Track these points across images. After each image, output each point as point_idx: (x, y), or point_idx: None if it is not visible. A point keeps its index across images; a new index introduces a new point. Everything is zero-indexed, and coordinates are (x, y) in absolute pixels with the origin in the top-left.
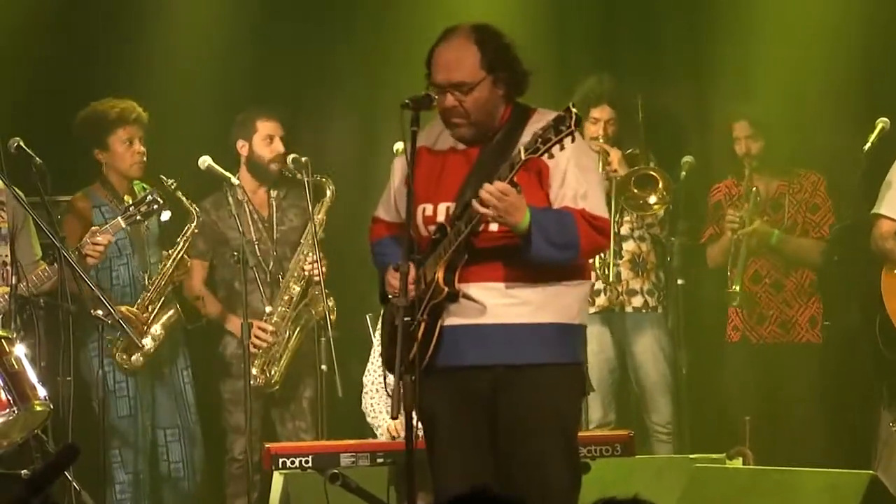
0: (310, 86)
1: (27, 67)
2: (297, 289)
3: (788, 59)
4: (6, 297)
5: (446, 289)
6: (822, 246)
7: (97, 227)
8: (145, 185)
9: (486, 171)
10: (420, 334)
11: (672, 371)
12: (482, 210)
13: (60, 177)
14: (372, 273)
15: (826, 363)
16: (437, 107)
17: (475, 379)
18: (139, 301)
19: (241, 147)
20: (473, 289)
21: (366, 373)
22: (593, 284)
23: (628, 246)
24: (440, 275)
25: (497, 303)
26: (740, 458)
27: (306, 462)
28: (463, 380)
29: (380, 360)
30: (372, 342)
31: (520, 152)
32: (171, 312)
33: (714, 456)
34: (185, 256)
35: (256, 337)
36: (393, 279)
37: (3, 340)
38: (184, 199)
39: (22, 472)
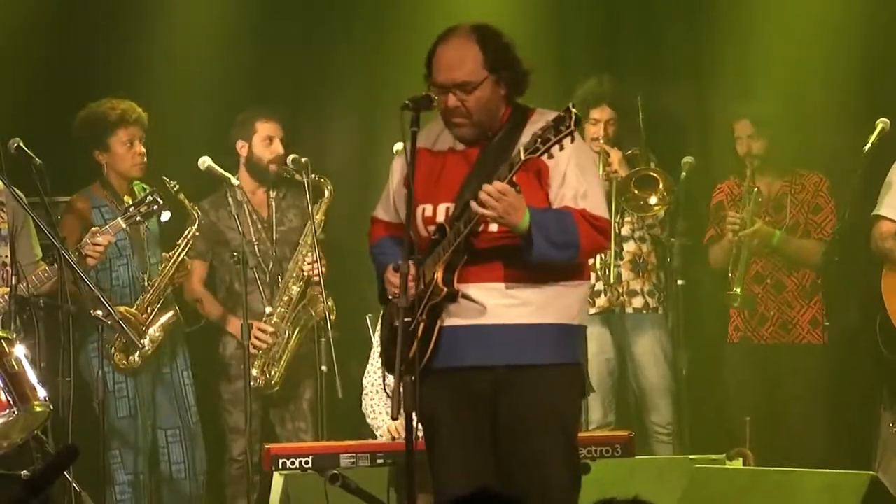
0: (310, 86)
1: (27, 67)
2: (296, 289)
3: (788, 59)
4: (6, 297)
5: (445, 289)
6: (823, 247)
7: (97, 228)
8: (145, 186)
9: (485, 172)
10: (418, 334)
11: (672, 372)
12: (481, 210)
13: (60, 177)
14: (372, 273)
15: (826, 364)
16: (439, 107)
17: (476, 379)
18: (138, 302)
19: (241, 148)
20: (473, 289)
21: (365, 374)
22: (594, 285)
23: (629, 247)
24: (439, 275)
25: (497, 303)
26: (740, 459)
27: (306, 463)
28: (463, 380)
29: (379, 361)
30: (372, 343)
31: (519, 152)
32: (170, 314)
33: (714, 457)
34: (186, 258)
35: (256, 338)
36: (393, 278)
37: (2, 341)
38: (186, 201)
39: (22, 472)
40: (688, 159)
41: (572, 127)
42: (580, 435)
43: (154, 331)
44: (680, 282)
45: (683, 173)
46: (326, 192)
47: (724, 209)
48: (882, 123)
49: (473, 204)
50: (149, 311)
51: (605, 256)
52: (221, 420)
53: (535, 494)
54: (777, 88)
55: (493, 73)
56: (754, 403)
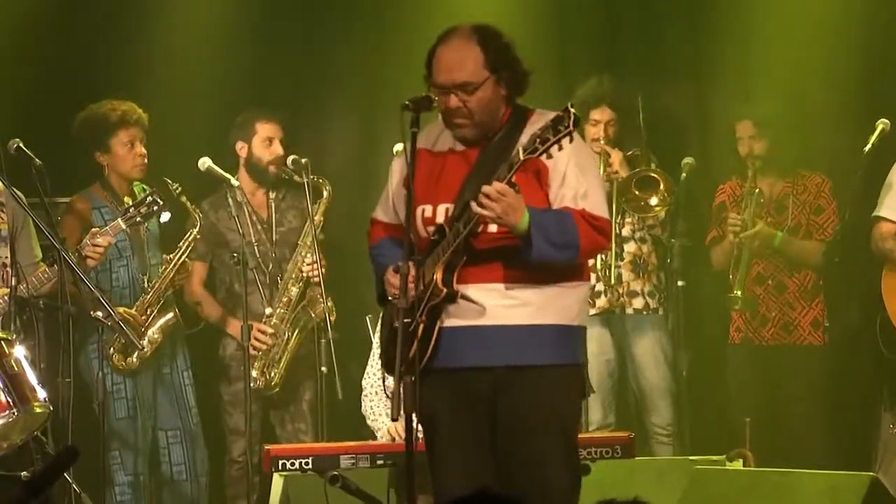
0: (310, 86)
1: (27, 67)
2: (295, 290)
3: (789, 60)
4: (6, 298)
5: (445, 289)
6: (823, 247)
7: (97, 229)
8: (145, 187)
9: (485, 172)
10: (418, 335)
11: (672, 373)
12: (480, 211)
13: (60, 178)
14: (372, 274)
15: (826, 364)
16: (439, 108)
17: (475, 380)
18: (138, 303)
19: (241, 149)
20: (473, 290)
21: (365, 375)
22: (594, 286)
23: (629, 247)
24: (438, 275)
25: (497, 304)
26: (741, 460)
27: (306, 464)
28: (463, 381)
29: (379, 362)
30: (372, 344)
31: (518, 153)
32: (169, 316)
33: (714, 457)
34: (187, 260)
35: (256, 339)
36: (393, 279)
37: (2, 342)
38: (188, 203)
39: (22, 473)
40: (688, 160)
41: (571, 127)
42: (580, 436)
43: (153, 332)
44: (680, 283)
45: (683, 174)
46: (325, 193)
47: (726, 210)
48: (882, 124)
49: (473, 204)
50: (148, 312)
51: (606, 257)
52: (221, 421)
53: (535, 495)
54: (777, 89)
55: (494, 74)
56: (755, 404)
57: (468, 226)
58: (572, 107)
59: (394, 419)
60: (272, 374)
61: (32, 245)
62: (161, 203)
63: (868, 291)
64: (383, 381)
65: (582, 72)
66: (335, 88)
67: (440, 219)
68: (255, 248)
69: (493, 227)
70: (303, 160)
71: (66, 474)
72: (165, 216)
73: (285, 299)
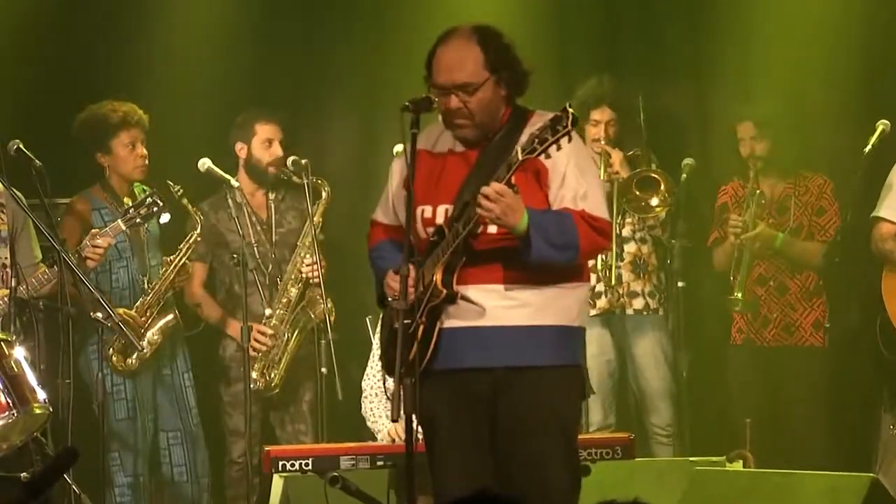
0: (310, 86)
1: (27, 68)
2: (295, 291)
3: (789, 60)
4: (6, 299)
5: (444, 290)
6: (824, 248)
7: (97, 230)
8: (145, 188)
9: (484, 173)
10: (418, 336)
11: (672, 374)
12: (479, 212)
13: (60, 179)
14: (372, 275)
15: (827, 365)
16: (439, 108)
17: (475, 381)
18: (138, 304)
19: (240, 150)
20: (472, 291)
21: (364, 377)
22: (594, 286)
23: (629, 248)
24: (438, 276)
25: (496, 305)
26: (741, 461)
27: (306, 465)
28: (462, 382)
29: (378, 364)
30: (372, 345)
31: (517, 153)
32: (169, 317)
33: (714, 459)
34: (187, 262)
35: (256, 340)
36: (393, 282)
37: (2, 343)
38: (189, 206)
39: (21, 474)
40: (688, 161)
41: (569, 127)
42: (580, 437)
43: (153, 334)
44: (680, 284)
45: (684, 175)
46: (324, 194)
47: (728, 211)
48: (882, 125)
49: (472, 205)
50: (148, 313)
51: (606, 258)
52: (221, 422)
53: (535, 496)
54: (777, 89)
55: (494, 74)
56: (756, 405)
57: (467, 227)
58: (570, 107)
59: (394, 420)
60: (272, 376)
61: (32, 246)
62: (161, 204)
63: (868, 292)
64: (384, 383)
65: (582, 72)
66: (335, 88)
67: (440, 220)
68: (255, 248)
69: (492, 228)
70: (303, 161)
71: (65, 475)
72: (165, 217)
73: (285, 300)
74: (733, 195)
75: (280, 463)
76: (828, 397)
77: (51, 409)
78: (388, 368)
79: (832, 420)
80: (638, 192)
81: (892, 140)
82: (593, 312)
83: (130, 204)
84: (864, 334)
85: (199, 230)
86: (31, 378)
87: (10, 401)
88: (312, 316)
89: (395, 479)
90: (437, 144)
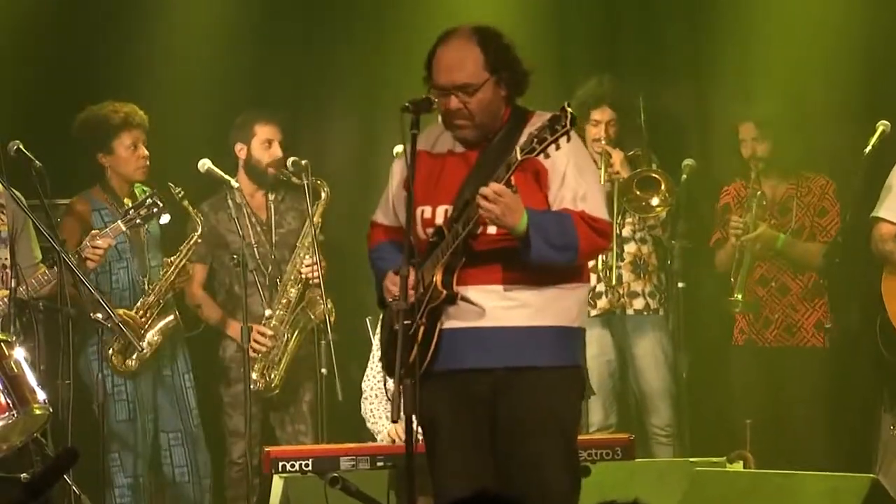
0: (310, 86)
1: (27, 68)
2: (294, 292)
3: (789, 60)
4: (6, 300)
5: (444, 291)
6: (824, 249)
7: (97, 231)
8: (145, 188)
9: (484, 174)
10: (419, 337)
11: (672, 374)
12: (479, 212)
13: (60, 179)
14: (372, 275)
15: (827, 366)
16: (439, 109)
17: (475, 382)
18: (138, 305)
19: (240, 150)
20: (472, 292)
21: (364, 378)
22: (594, 287)
23: (630, 248)
24: (438, 277)
25: (496, 305)
26: (741, 462)
27: (306, 466)
28: (462, 383)
29: (378, 365)
30: (372, 345)
31: (516, 153)
32: (169, 318)
33: (715, 459)
34: (188, 263)
35: (255, 341)
36: (392, 284)
37: (2, 344)
38: (190, 208)
39: (21, 475)
40: (688, 162)
41: (568, 126)
42: (580, 438)
43: (153, 334)
44: (680, 284)
45: (684, 176)
46: (323, 194)
47: (730, 212)
48: (882, 126)
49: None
50: (148, 314)
51: (607, 258)
52: (221, 423)
53: (535, 497)
54: (777, 89)
55: (494, 75)
56: (757, 406)
57: (467, 227)
58: (569, 106)
59: (394, 421)
60: (272, 376)
61: (32, 247)
62: (161, 205)
63: (868, 293)
64: (384, 384)
65: (582, 72)
66: (335, 88)
67: (439, 220)
68: (255, 249)
69: (492, 229)
70: (303, 162)
71: (65, 476)
72: (165, 218)
73: (285, 301)
74: (735, 196)
75: (280, 464)
76: (828, 398)
77: (51, 410)
78: (388, 369)
79: (832, 421)
80: (638, 192)
81: (892, 141)
82: (594, 313)
83: (130, 205)
84: (864, 335)
85: (199, 232)
86: (31, 379)
87: (9, 401)
88: (312, 316)
89: (395, 479)
90: (436, 145)
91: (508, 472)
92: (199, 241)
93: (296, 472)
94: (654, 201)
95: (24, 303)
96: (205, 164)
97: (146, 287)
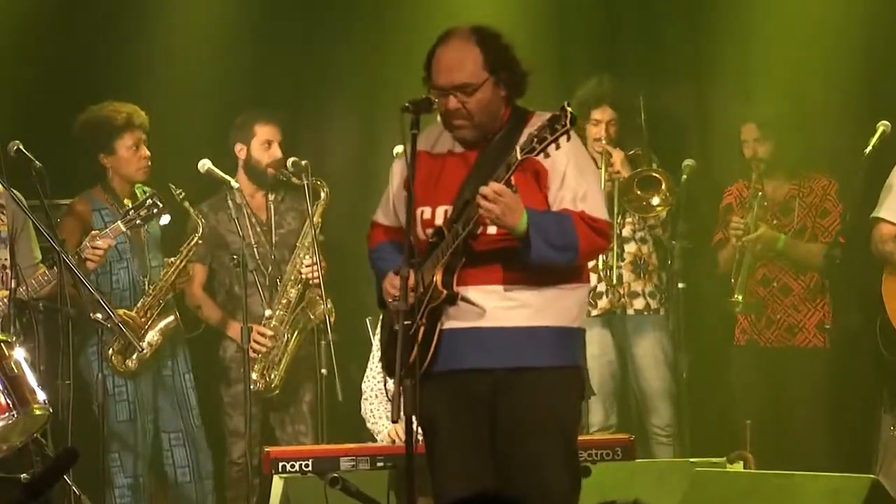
0: (310, 86)
1: (27, 68)
2: (294, 292)
3: (789, 60)
4: (5, 300)
5: (445, 291)
6: (824, 249)
7: (97, 232)
8: (146, 189)
9: (484, 174)
10: (419, 338)
11: (672, 374)
12: (479, 212)
13: (60, 180)
14: (372, 275)
15: (827, 366)
16: (439, 109)
17: (475, 382)
18: (138, 305)
19: (240, 151)
20: (472, 292)
21: (364, 378)
22: (595, 287)
23: (630, 248)
24: (438, 277)
25: (496, 306)
26: (741, 462)
27: (306, 466)
28: (462, 383)
29: (378, 365)
30: (372, 345)
31: (516, 153)
32: (169, 319)
33: (715, 460)
34: (188, 264)
35: (255, 341)
36: (391, 286)
37: (2, 344)
38: (191, 209)
39: (21, 475)
40: (688, 162)
41: (568, 125)
42: (580, 438)
43: (153, 335)
44: (681, 285)
45: (684, 176)
46: (322, 195)
47: (732, 212)
48: (883, 126)
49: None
50: (148, 314)
51: (607, 258)
52: (221, 423)
53: (535, 497)
54: (777, 89)
55: (493, 75)
56: (755, 406)
57: (467, 227)
58: (569, 106)
59: (394, 421)
60: (272, 377)
61: (32, 247)
62: (161, 206)
63: (868, 293)
64: (384, 384)
65: (582, 72)
66: (335, 88)
67: (439, 221)
68: (255, 250)
69: (492, 229)
70: (303, 162)
71: (65, 476)
72: (165, 219)
73: (284, 301)
74: (737, 196)
75: (280, 464)
76: (828, 398)
77: (51, 410)
78: (388, 370)
79: (832, 421)
80: (639, 192)
81: (892, 141)
82: (595, 313)
83: (130, 205)
84: (864, 335)
85: (200, 233)
86: (31, 379)
87: (9, 402)
88: (312, 317)
89: (395, 480)
90: (436, 145)
91: (508, 473)
92: (200, 242)
93: (296, 472)
94: (655, 201)
95: (24, 303)
96: (205, 164)
97: (147, 287)
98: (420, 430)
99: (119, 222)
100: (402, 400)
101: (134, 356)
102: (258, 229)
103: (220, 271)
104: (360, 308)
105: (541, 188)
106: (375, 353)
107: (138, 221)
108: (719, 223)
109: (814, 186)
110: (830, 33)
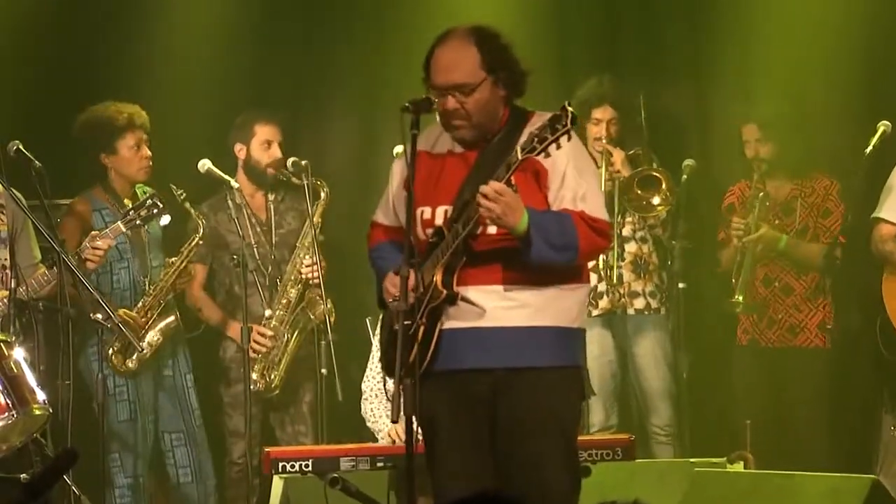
0: (310, 86)
1: (27, 68)
2: (294, 292)
3: (789, 60)
4: (5, 300)
5: (445, 291)
6: (825, 249)
7: (96, 232)
8: (146, 189)
9: (484, 174)
10: (419, 338)
11: (673, 374)
12: (480, 211)
13: (60, 180)
14: (372, 275)
15: (828, 366)
16: (437, 109)
17: (475, 382)
18: (139, 306)
19: (239, 151)
20: (472, 292)
21: (364, 378)
22: (595, 286)
23: (630, 248)
24: (438, 277)
25: (496, 306)
26: (741, 462)
27: (306, 466)
28: (462, 383)
29: (378, 365)
30: (372, 346)
31: (516, 153)
32: (170, 319)
33: (715, 460)
34: (189, 264)
35: (255, 342)
36: (391, 286)
37: (2, 344)
38: (192, 210)
39: (21, 476)
40: (688, 162)
41: (568, 125)
42: (580, 438)
43: (153, 335)
44: (681, 285)
45: (684, 176)
46: (322, 195)
47: (734, 212)
48: (883, 126)
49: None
50: (149, 315)
51: (608, 257)
52: (221, 423)
53: (535, 497)
54: (777, 89)
55: (492, 75)
56: (756, 407)
57: (467, 227)
58: (569, 105)
59: (394, 421)
60: (272, 377)
61: (32, 247)
62: (161, 206)
63: (868, 293)
64: (384, 384)
65: (582, 72)
66: (335, 88)
67: (439, 221)
68: (255, 250)
69: (492, 229)
70: (302, 162)
71: (65, 476)
72: (165, 219)
73: (284, 301)
74: (740, 196)
75: (280, 464)
76: (829, 398)
77: (50, 410)
78: (388, 370)
79: (833, 421)
80: (639, 191)
81: (892, 141)
82: (595, 313)
83: (131, 205)
84: (864, 335)
85: (200, 234)
86: (31, 379)
87: (9, 402)
88: (312, 317)
89: (395, 480)
90: (436, 145)
91: (508, 473)
92: (200, 242)
93: (296, 472)
94: (655, 200)
95: (24, 303)
96: (205, 164)
97: (147, 287)
98: (420, 429)
99: (119, 222)
100: (401, 400)
101: (134, 356)
102: (258, 229)
103: (220, 271)
104: (360, 308)
105: (541, 188)
106: (375, 353)
107: (138, 222)
108: (722, 223)
109: (816, 186)
110: (830, 33)
